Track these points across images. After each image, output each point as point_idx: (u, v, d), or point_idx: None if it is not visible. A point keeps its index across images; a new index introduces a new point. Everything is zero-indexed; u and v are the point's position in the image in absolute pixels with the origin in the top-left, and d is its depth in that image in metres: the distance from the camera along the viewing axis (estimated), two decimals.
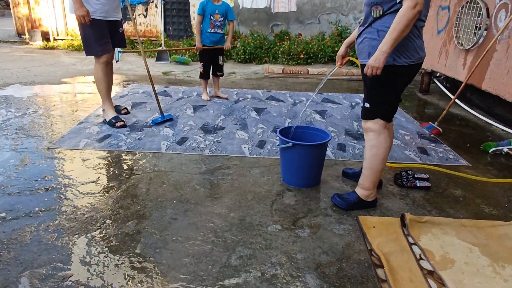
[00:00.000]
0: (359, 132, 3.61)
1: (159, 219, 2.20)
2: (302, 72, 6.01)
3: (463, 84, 3.75)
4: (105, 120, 3.66)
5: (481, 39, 3.90)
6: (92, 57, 3.51)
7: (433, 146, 3.36)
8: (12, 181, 2.54)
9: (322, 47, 6.85)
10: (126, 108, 4.01)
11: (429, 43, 4.96)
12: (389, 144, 2.26)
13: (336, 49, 6.86)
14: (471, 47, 4.03)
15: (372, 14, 2.05)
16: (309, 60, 6.77)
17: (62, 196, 2.40)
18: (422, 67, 5.19)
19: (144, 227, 2.12)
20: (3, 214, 2.18)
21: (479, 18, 3.91)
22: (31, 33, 8.51)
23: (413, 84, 5.75)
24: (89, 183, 2.58)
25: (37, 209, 2.25)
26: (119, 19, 3.59)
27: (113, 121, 3.56)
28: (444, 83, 5.21)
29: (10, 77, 5.33)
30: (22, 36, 8.73)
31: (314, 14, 7.67)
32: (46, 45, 8.19)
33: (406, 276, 1.82)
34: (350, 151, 3.19)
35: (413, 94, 5.24)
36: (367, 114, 2.24)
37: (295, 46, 6.80)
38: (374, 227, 2.19)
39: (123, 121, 3.58)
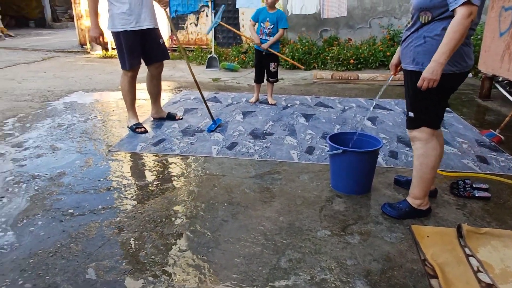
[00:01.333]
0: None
1: (211, 220, 2.29)
2: (352, 78, 5.93)
3: None
4: (128, 126, 3.83)
5: None
6: (144, 67, 3.73)
7: (494, 155, 3.18)
8: (78, 180, 2.76)
9: (373, 52, 6.71)
10: (178, 114, 4.19)
11: (490, 46, 4.69)
12: (439, 152, 2.18)
13: (388, 54, 6.69)
14: None
15: (421, 19, 2.00)
16: (359, 66, 6.67)
17: (122, 195, 2.56)
18: (483, 71, 4.93)
19: (197, 227, 2.21)
20: (71, 211, 2.37)
21: None
22: (92, 44, 9.13)
23: (472, 89, 5.46)
24: (146, 184, 2.73)
25: (100, 206, 2.42)
26: (153, 27, 3.60)
27: (134, 126, 3.74)
28: (507, 88, 4.90)
29: (74, 85, 5.76)
30: (84, 47, 9.38)
31: (364, 19, 7.55)
32: (105, 55, 8.74)
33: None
34: (402, 159, 3.10)
35: (473, 100, 4.98)
36: (412, 123, 2.19)
37: (345, 51, 6.73)
38: (428, 236, 2.12)
39: (143, 127, 3.75)
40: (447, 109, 4.51)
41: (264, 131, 3.75)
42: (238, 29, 8.22)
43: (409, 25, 2.12)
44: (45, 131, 3.75)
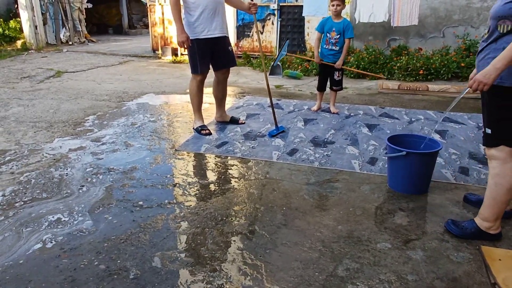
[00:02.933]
0: (486, 156, 3.27)
1: (269, 222, 2.33)
2: (420, 89, 5.68)
3: None
4: (193, 127, 3.99)
5: None
6: (212, 72, 3.91)
7: None
8: (148, 175, 2.96)
9: (446, 62, 6.36)
10: (241, 118, 4.31)
11: None
12: None
13: (463, 64, 6.30)
14: None
15: (499, 29, 1.88)
16: (429, 77, 6.35)
17: (186, 192, 2.70)
18: None
19: (255, 228, 2.27)
20: (141, 203, 2.55)
21: None
22: (163, 49, 9.71)
23: None
24: (208, 183, 2.85)
25: (166, 201, 2.58)
26: (224, 35, 3.78)
27: (199, 128, 3.89)
28: None
29: (146, 87, 6.17)
30: (156, 52, 10.00)
31: (438, 27, 7.19)
32: (174, 60, 9.24)
33: None
34: (474, 176, 2.92)
35: None
36: (489, 141, 2.05)
37: (414, 61, 6.46)
38: (500, 260, 1.98)
39: (208, 129, 3.90)
40: None
41: (325, 139, 3.73)
42: (303, 36, 8.25)
43: (486, 36, 2.00)
44: (120, 128, 4.07)
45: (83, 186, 2.78)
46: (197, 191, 2.72)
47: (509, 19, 1.83)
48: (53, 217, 2.38)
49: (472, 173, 2.96)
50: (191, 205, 2.52)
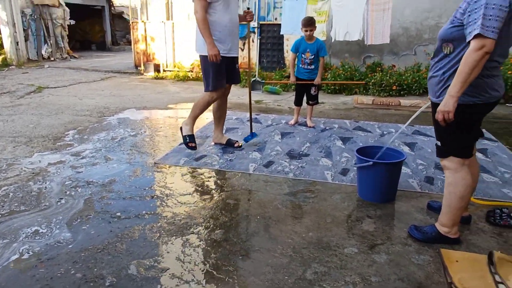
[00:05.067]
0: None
1: (243, 231, 2.43)
2: (393, 104, 5.93)
3: None
4: (181, 128, 3.86)
5: None
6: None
7: None
8: (126, 188, 3.02)
9: (417, 78, 6.68)
10: (238, 141, 4.05)
11: None
12: (468, 182, 2.15)
13: None
14: None
15: (443, 50, 2.06)
16: (402, 92, 6.65)
17: (164, 203, 2.78)
18: None
19: (230, 236, 2.36)
20: (119, 214, 2.62)
21: None
22: (146, 65, 9.82)
23: None
24: (186, 194, 2.94)
25: (144, 212, 2.65)
26: (237, 56, 3.88)
27: (187, 139, 3.79)
28: None
29: (128, 103, 6.25)
30: (138, 68, 10.11)
31: (409, 46, 7.54)
32: (156, 76, 9.36)
33: None
34: (438, 185, 3.09)
35: None
36: (440, 152, 2.22)
37: (388, 77, 6.75)
38: (457, 261, 2.11)
39: (195, 143, 3.83)
40: (492, 137, 4.39)
41: (301, 152, 3.87)
42: (282, 53, 8.50)
43: (433, 55, 2.18)
44: (100, 143, 4.12)
45: (61, 198, 2.83)
46: (174, 202, 2.80)
47: (451, 42, 2.01)
48: (30, 229, 2.42)
49: (437, 182, 3.14)
50: (168, 216, 2.60)
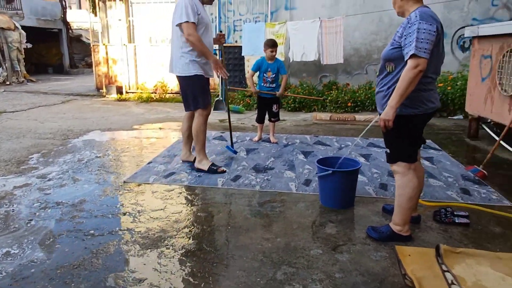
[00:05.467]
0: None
1: (216, 240, 2.57)
2: (349, 119, 6.34)
3: (506, 128, 3.85)
4: (199, 169, 3.86)
5: None
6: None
7: (476, 187, 3.46)
8: (98, 207, 3.07)
9: (369, 95, 7.17)
10: (223, 168, 3.96)
11: (474, 90, 5.10)
12: (415, 183, 2.44)
13: None
14: None
15: (387, 68, 2.38)
16: (356, 108, 7.11)
17: (136, 219, 2.86)
18: (469, 113, 5.30)
19: (203, 246, 2.49)
20: (92, 231, 2.67)
21: None
22: (108, 88, 9.78)
23: (462, 130, 5.82)
24: (158, 210, 3.03)
25: (117, 228, 2.72)
26: (212, 77, 4.05)
27: (214, 168, 3.83)
28: (494, 128, 5.24)
29: (91, 125, 6.22)
30: (100, 90, 10.03)
31: (361, 65, 8.11)
32: (119, 98, 9.33)
33: None
34: (391, 190, 3.39)
35: (461, 140, 5.31)
36: (389, 159, 2.51)
37: (343, 95, 7.20)
38: (409, 255, 2.36)
39: (221, 166, 3.91)
40: (437, 146, 4.83)
41: (266, 166, 4.08)
42: (244, 74, 8.81)
43: (379, 73, 2.49)
44: (66, 165, 4.12)
45: (31, 220, 2.83)
46: (147, 218, 2.89)
47: (392, 61, 2.33)
48: (1, 251, 2.41)
49: (390, 188, 3.44)
50: (141, 231, 2.69)
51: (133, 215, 2.93)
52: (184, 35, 3.53)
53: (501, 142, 3.99)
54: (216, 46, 5.95)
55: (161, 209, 3.05)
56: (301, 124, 6.34)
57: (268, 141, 5.12)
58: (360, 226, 2.77)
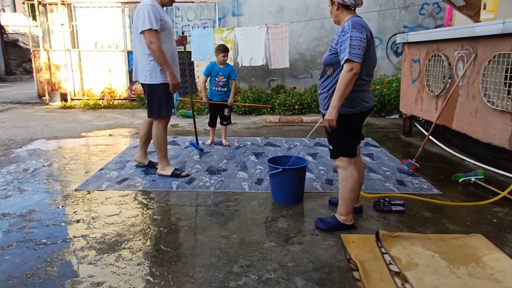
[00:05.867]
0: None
1: (173, 241, 2.64)
2: (296, 121, 6.64)
3: (433, 124, 4.30)
4: (164, 174, 3.89)
5: (447, 86, 4.52)
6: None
7: (410, 179, 3.83)
8: (48, 216, 3.01)
9: (315, 98, 7.54)
10: (186, 171, 4.04)
11: (407, 91, 5.60)
12: (356, 176, 2.69)
13: None
14: (440, 93, 4.63)
15: (327, 72, 2.62)
16: (303, 110, 7.44)
17: (91, 226, 2.86)
18: (403, 112, 5.79)
19: (160, 247, 2.56)
20: (44, 240, 2.63)
21: (443, 69, 4.55)
22: (51, 95, 9.34)
23: (398, 128, 6.32)
24: (113, 215, 3.04)
25: (72, 236, 2.70)
26: (179, 81, 3.96)
27: (177, 172, 3.89)
28: (425, 126, 5.77)
29: (36, 133, 5.96)
30: (42, 98, 9.54)
31: (306, 69, 8.50)
32: (64, 105, 8.96)
33: (377, 276, 2.22)
34: (336, 185, 3.65)
35: (397, 137, 5.79)
36: (332, 154, 2.75)
37: (290, 98, 7.51)
38: (353, 242, 2.61)
39: (183, 170, 3.98)
40: (376, 144, 5.23)
41: (219, 168, 4.20)
42: (194, 79, 8.85)
43: (320, 77, 2.73)
44: (11, 175, 3.95)
45: None
46: (102, 224, 2.89)
47: (331, 66, 2.57)
48: None
49: (335, 183, 3.71)
50: (96, 236, 2.69)
51: (87, 221, 2.92)
52: (146, 42, 3.51)
53: (430, 137, 4.45)
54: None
55: (116, 214, 3.05)
56: (251, 127, 6.54)
57: (220, 144, 5.25)
58: (309, 219, 2.98)
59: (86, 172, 4.09)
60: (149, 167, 4.18)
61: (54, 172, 4.08)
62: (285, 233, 2.76)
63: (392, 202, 3.15)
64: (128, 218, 2.99)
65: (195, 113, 7.63)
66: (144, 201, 3.34)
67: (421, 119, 5.71)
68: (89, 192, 3.52)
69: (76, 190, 3.56)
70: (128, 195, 3.47)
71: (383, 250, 2.50)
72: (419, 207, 3.20)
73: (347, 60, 2.36)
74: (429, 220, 2.96)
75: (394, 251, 2.47)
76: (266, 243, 2.61)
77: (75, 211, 3.10)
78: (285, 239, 2.67)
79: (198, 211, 3.12)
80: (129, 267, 2.32)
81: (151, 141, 4.07)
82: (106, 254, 2.45)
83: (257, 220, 2.97)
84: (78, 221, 2.92)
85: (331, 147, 2.73)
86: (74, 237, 2.68)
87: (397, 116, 7.20)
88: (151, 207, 3.21)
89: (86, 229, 2.80)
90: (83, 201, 3.31)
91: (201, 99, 7.40)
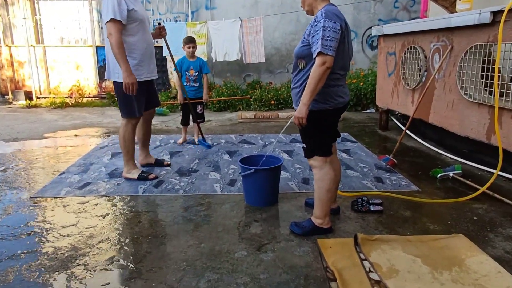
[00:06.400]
0: None
1: (134, 253, 2.40)
2: (272, 117, 6.45)
3: (410, 119, 4.19)
4: (130, 177, 3.66)
5: (423, 78, 4.41)
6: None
7: (388, 175, 3.70)
8: None
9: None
10: (166, 160, 4.14)
11: (382, 85, 5.49)
12: (332, 176, 2.51)
13: None
14: (416, 86, 4.53)
15: (299, 65, 2.43)
16: (279, 106, 7.26)
17: (43, 239, 2.58)
18: (379, 106, 5.68)
19: (120, 261, 2.31)
20: None
21: (419, 61, 4.44)
22: (15, 93, 8.82)
23: (374, 122, 6.23)
24: (69, 226, 2.77)
25: (19, 251, 2.42)
26: (156, 77, 3.73)
27: (145, 175, 3.64)
28: (401, 120, 5.69)
29: None
30: (5, 97, 9.01)
31: (282, 64, 8.31)
32: (29, 104, 8.48)
33: (356, 286, 2.05)
34: (313, 184, 3.48)
35: (374, 131, 5.68)
36: (306, 153, 2.56)
37: (266, 93, 7.31)
38: (330, 247, 2.43)
39: (151, 173, 3.72)
40: (353, 139, 5.10)
41: (190, 169, 3.96)
42: (167, 75, 8.53)
43: (292, 70, 2.53)
44: None
45: None
46: (56, 236, 2.61)
47: (303, 59, 2.37)
48: None
49: (312, 182, 3.53)
50: (48, 251, 2.42)
51: (40, 234, 2.64)
52: (106, 33, 3.23)
53: (407, 131, 4.34)
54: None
55: (73, 225, 2.78)
56: (226, 124, 6.31)
57: (193, 143, 5.00)
58: (284, 223, 2.80)
59: (45, 178, 3.78)
60: (158, 166, 4.01)
61: (8, 178, 3.75)
62: (258, 240, 2.56)
63: (370, 202, 3.00)
64: (86, 228, 2.73)
65: (167, 110, 7.36)
66: (105, 208, 3.07)
67: (397, 112, 5.62)
68: (46, 200, 3.22)
69: (31, 198, 3.26)
70: (88, 202, 3.19)
71: (362, 256, 2.34)
72: (398, 205, 3.06)
73: (319, 53, 2.17)
74: (408, 220, 2.82)
75: (374, 257, 2.31)
76: (237, 252, 2.40)
77: (27, 223, 2.81)
78: (257, 246, 2.48)
79: (164, 218, 2.88)
80: (82, 286, 2.07)
81: (148, 140, 4.01)
82: (57, 273, 2.19)
83: (229, 225, 2.76)
84: (29, 234, 2.64)
85: (304, 145, 2.54)
86: (23, 253, 2.40)
87: (373, 110, 7.12)
88: (113, 215, 2.95)
89: (37, 243, 2.53)
90: (37, 210, 3.02)
91: (175, 97, 7.14)
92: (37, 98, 8.92)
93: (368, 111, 7.22)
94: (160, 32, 3.85)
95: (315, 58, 2.22)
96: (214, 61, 7.58)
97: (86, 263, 2.30)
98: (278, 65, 8.32)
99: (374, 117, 6.58)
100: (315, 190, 2.58)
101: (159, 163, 4.06)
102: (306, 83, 2.34)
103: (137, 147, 3.93)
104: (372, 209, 2.93)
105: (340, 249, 2.42)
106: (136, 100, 3.49)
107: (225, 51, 7.30)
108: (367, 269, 2.21)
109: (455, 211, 2.95)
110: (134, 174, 3.66)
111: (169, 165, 4.08)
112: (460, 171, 3.58)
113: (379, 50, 5.56)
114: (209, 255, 2.38)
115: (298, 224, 2.65)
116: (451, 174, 3.56)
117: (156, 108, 4.05)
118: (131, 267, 2.25)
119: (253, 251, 2.42)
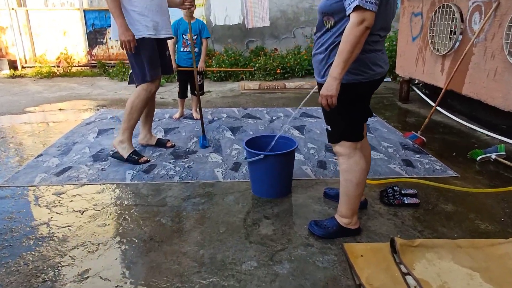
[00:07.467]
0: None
1: (116, 264, 1.91)
2: (279, 87, 5.85)
3: (443, 91, 3.61)
4: (118, 155, 3.15)
5: (457, 43, 3.79)
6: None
7: (418, 157, 3.18)
8: None
9: (299, 60, 6.73)
10: (170, 140, 3.56)
11: (405, 50, 4.86)
12: (362, 166, 1.99)
13: None
14: (448, 52, 3.91)
15: (325, 24, 1.83)
16: (286, 75, 6.63)
17: (5, 243, 2.08)
18: (400, 75, 5.07)
19: (99, 274, 1.83)
20: None
21: (453, 23, 3.80)
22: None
23: (393, 93, 5.64)
24: (39, 225, 2.27)
25: None
26: (169, 36, 3.20)
27: (135, 157, 3.11)
28: (424, 90, 5.10)
29: None
30: None
31: (288, 28, 7.59)
32: (13, 74, 7.86)
33: None
34: (331, 168, 2.97)
35: (394, 103, 5.11)
36: (331, 137, 2.02)
37: (271, 61, 6.66)
38: (362, 255, 1.94)
39: (144, 156, 3.19)
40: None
41: (187, 150, 3.43)
42: None
43: (316, 31, 1.93)
44: None
45: None
46: (20, 241, 2.12)
47: (332, 16, 1.77)
48: None
49: (329, 165, 3.02)
50: (8, 262, 1.93)
51: (1, 237, 2.14)
52: None
53: (432, 103, 3.77)
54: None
55: (45, 223, 2.28)
56: (228, 95, 5.71)
57: (191, 117, 4.45)
58: (300, 220, 2.30)
59: (18, 161, 3.26)
60: (159, 146, 3.47)
61: None
62: (270, 244, 2.06)
63: (403, 192, 2.50)
64: (59, 229, 2.23)
65: (163, 80, 6.74)
66: (85, 201, 2.56)
67: (417, 82, 5.02)
68: (16, 190, 2.71)
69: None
70: (66, 192, 2.68)
71: (403, 268, 1.85)
72: (436, 196, 2.55)
73: (356, 7, 1.58)
74: (452, 216, 2.32)
75: (419, 270, 1.82)
76: (244, 263, 1.91)
77: None
78: (270, 254, 1.98)
79: (155, 214, 2.38)
80: None
81: (151, 119, 3.49)
82: None
83: (233, 224, 2.26)
84: None
85: (329, 127, 1.99)
86: None
87: (389, 79, 6.49)
88: (94, 208, 2.45)
89: None
90: (4, 204, 2.52)
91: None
92: (23, 67, 8.28)
93: (384, 80, 6.61)
94: (182, 3, 3.27)
95: (349, 15, 1.63)
96: (213, 25, 6.88)
97: (53, 278, 1.81)
98: (284, 29, 7.58)
99: (391, 87, 5.98)
100: (341, 183, 2.05)
101: (161, 143, 3.50)
102: (333, 47, 1.77)
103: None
104: (406, 201, 2.43)
105: (374, 258, 1.93)
106: (150, 61, 2.99)
107: (226, 14, 6.59)
108: None
109: (508, 204, 2.44)
110: (125, 150, 3.12)
111: (173, 146, 3.50)
112: (504, 152, 3.05)
113: (402, 10, 4.88)
114: (210, 266, 1.89)
115: (319, 224, 2.15)
116: (493, 156, 3.04)
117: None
118: (109, 281, 1.77)
119: (264, 261, 1.93)
